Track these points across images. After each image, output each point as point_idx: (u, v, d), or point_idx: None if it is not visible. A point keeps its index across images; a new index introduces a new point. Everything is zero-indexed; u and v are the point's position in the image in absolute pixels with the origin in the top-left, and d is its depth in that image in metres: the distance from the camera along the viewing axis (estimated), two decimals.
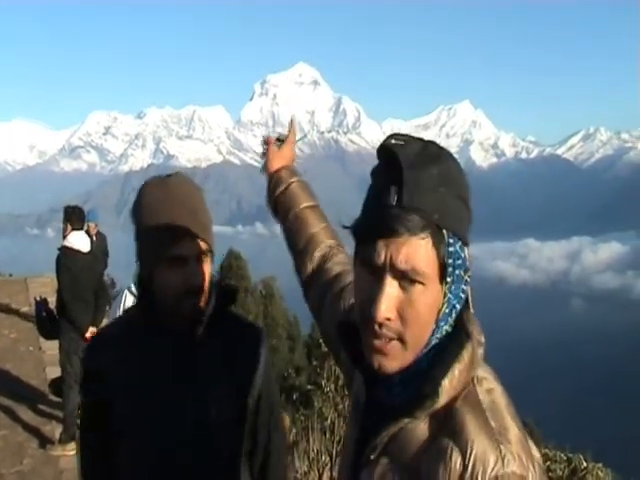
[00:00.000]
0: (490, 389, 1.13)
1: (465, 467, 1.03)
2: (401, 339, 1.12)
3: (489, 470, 1.02)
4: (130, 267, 2.43)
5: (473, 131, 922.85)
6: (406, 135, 1.15)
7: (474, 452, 1.04)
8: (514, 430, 1.07)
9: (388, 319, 1.10)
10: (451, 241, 1.11)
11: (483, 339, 1.16)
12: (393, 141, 1.12)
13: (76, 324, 6.74)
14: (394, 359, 1.13)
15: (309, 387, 7.88)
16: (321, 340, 8.14)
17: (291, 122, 2.15)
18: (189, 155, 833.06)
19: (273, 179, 2.09)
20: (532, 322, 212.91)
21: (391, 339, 1.12)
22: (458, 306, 1.16)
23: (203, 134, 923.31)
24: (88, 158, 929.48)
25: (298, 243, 1.97)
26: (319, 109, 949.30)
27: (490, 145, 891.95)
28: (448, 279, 1.12)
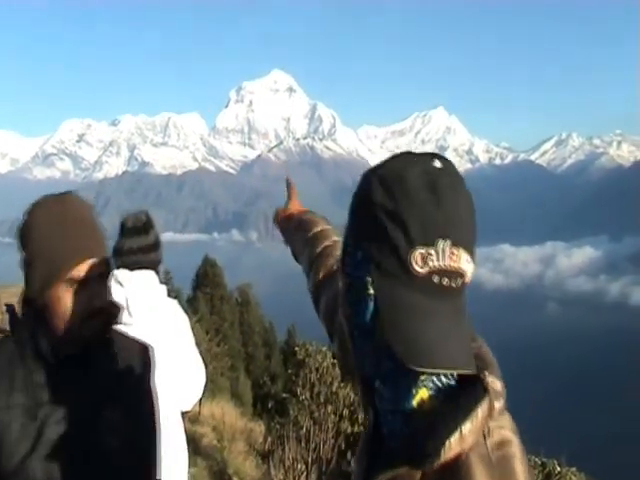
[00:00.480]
0: (503, 442, 1.04)
1: None
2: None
3: None
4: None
5: (448, 137, 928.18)
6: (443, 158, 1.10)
7: None
8: None
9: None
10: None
11: (501, 386, 1.07)
12: (438, 164, 1.08)
13: None
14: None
15: (284, 395, 7.93)
16: (297, 347, 8.22)
17: (288, 184, 2.21)
18: (164, 162, 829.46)
19: (299, 215, 2.09)
20: (507, 326, 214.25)
21: None
22: None
23: (178, 141, 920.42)
24: (62, 166, 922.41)
25: (313, 251, 1.93)
26: (295, 116, 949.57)
27: (464, 151, 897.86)
28: None
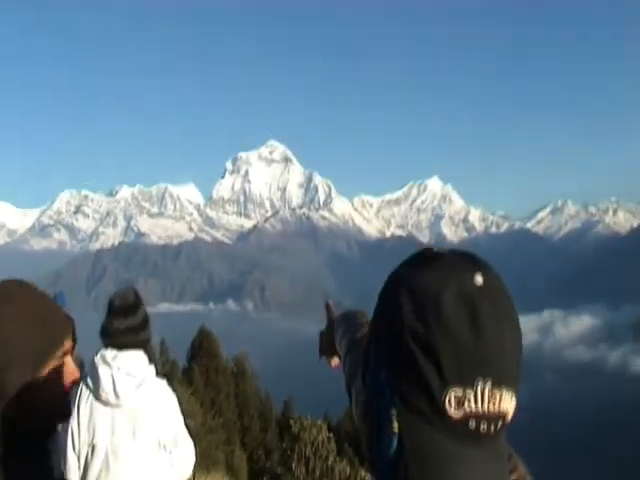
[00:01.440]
0: None
1: None
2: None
3: None
4: (100, 347, 2.72)
5: (443, 206, 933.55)
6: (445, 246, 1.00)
7: None
8: None
9: None
10: None
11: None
12: (480, 280, 0.96)
13: None
14: None
15: (279, 471, 7.81)
16: (292, 421, 8.02)
17: (327, 306, 2.11)
18: (160, 232, 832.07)
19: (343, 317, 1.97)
20: None
21: None
22: None
23: (174, 211, 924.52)
24: (58, 236, 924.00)
25: (352, 338, 1.75)
26: (290, 185, 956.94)
27: (460, 220, 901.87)
28: None
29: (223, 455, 21.16)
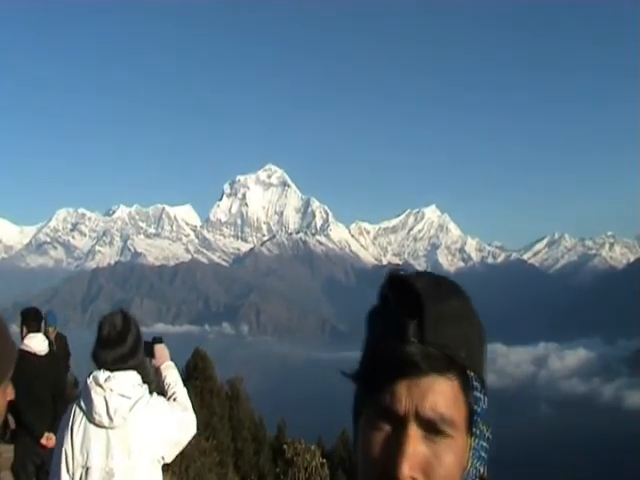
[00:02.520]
0: None
1: None
2: None
3: None
4: (93, 367, 2.77)
5: (440, 235, 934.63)
6: (412, 269, 1.02)
7: None
8: None
9: (412, 477, 0.92)
10: (477, 385, 0.98)
11: None
12: (403, 272, 1.00)
13: (32, 430, 6.44)
14: None
15: None
16: (285, 445, 7.86)
17: None
18: (157, 253, 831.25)
19: None
20: (499, 428, 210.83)
21: None
22: (480, 468, 0.97)
23: (171, 233, 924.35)
24: (55, 254, 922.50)
25: None
26: (288, 210, 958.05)
27: (457, 249, 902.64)
28: (475, 430, 0.96)
29: (216, 478, 20.92)
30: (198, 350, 28.29)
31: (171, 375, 3.62)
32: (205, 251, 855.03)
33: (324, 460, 7.31)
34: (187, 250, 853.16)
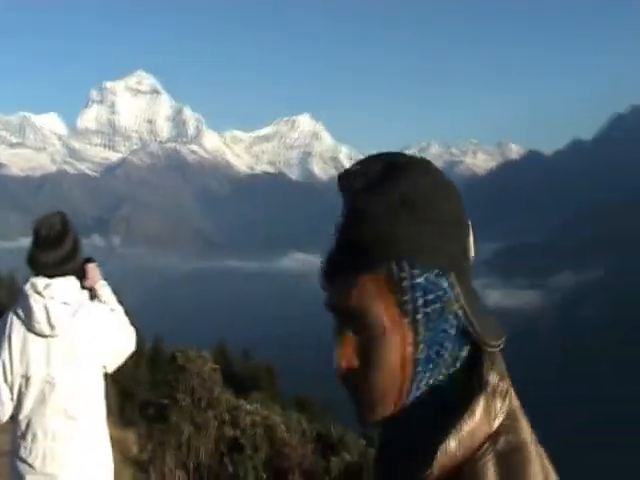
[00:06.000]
0: (514, 448, 0.87)
1: None
2: (373, 388, 0.92)
3: None
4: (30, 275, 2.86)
5: (314, 143, 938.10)
6: (377, 156, 1.02)
7: None
8: None
9: (350, 369, 0.93)
10: (416, 272, 0.94)
11: (506, 385, 0.93)
12: (356, 166, 1.02)
13: None
14: (371, 410, 0.93)
15: (165, 401, 7.76)
16: (177, 353, 7.96)
17: None
18: (21, 164, 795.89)
19: None
20: None
21: (363, 389, 0.93)
22: (448, 345, 0.96)
23: (36, 142, 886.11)
24: None
25: None
26: (159, 118, 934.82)
27: (330, 158, 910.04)
28: (418, 316, 0.92)
29: None
30: None
31: (106, 294, 3.52)
32: (73, 161, 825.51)
33: (217, 365, 7.49)
34: (53, 160, 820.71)
